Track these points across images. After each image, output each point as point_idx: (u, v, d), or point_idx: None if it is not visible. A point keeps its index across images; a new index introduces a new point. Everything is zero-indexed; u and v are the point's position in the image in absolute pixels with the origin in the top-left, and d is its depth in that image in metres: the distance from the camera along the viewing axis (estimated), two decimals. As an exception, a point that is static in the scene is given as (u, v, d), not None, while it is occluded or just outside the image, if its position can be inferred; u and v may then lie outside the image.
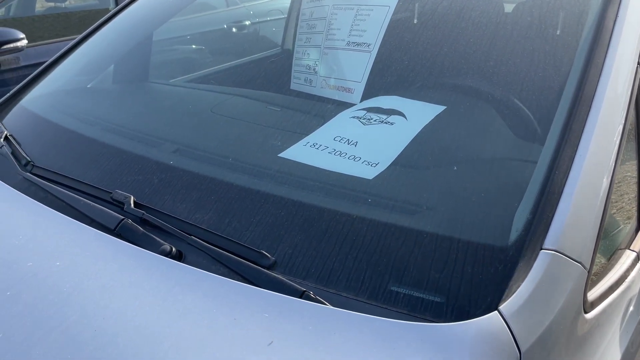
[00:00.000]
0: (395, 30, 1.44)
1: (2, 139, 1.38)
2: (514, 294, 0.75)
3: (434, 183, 0.99)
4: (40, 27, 4.64)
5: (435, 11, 1.43)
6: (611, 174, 0.90)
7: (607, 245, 1.00)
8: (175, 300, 0.81)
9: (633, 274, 0.98)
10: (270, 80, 1.80)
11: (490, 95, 1.14)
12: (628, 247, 1.03)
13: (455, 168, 1.00)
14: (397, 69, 1.39)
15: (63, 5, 5.24)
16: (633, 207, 1.09)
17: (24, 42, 3.48)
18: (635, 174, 1.08)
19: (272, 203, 1.00)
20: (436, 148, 1.09)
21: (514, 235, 0.83)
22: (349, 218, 0.93)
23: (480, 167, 1.00)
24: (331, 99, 1.50)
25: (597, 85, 0.97)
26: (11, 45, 3.43)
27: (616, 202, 1.06)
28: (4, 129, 1.43)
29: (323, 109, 1.46)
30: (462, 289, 0.79)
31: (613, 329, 0.88)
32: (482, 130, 1.11)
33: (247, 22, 4.02)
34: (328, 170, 1.08)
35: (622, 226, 1.06)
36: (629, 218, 1.09)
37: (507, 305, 0.74)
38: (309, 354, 0.71)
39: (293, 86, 1.64)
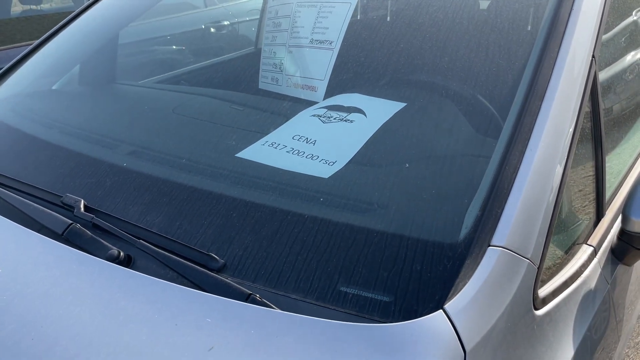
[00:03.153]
0: (357, 28, 1.43)
1: (-44, 144, 1.34)
2: (460, 292, 0.74)
3: (387, 181, 0.98)
4: (15, 29, 4.57)
5: (395, 8, 1.42)
6: (563, 170, 0.89)
7: (562, 240, 0.99)
8: (117, 307, 0.79)
9: (589, 269, 0.98)
10: (239, 80, 1.78)
11: (447, 92, 1.13)
12: (585, 241, 1.02)
13: (407, 165, 0.99)
14: (358, 66, 1.38)
15: (38, 7, 5.17)
16: (590, 202, 1.09)
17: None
18: (592, 168, 1.08)
19: (224, 204, 0.98)
20: (392, 145, 1.07)
21: (462, 232, 0.82)
22: (301, 218, 0.92)
23: (433, 164, 0.99)
24: (296, 97, 1.48)
25: (549, 79, 0.96)
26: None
27: (573, 196, 1.06)
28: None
29: (286, 108, 1.45)
30: (410, 287, 0.78)
31: (566, 325, 0.87)
32: (438, 127, 1.10)
33: (226, 23, 3.99)
34: (284, 170, 1.07)
35: (579, 221, 1.06)
36: (586, 213, 1.09)
37: (452, 304, 0.72)
38: (249, 358, 0.69)
39: (261, 85, 1.62)
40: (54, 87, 1.76)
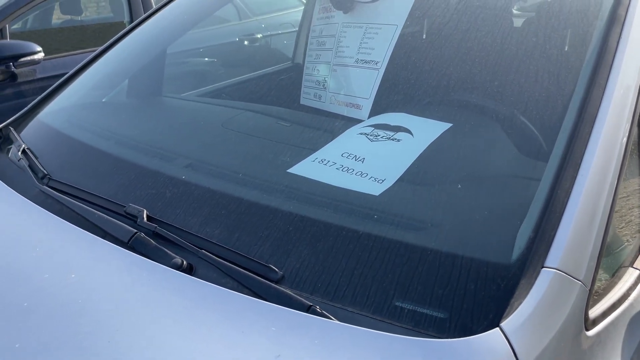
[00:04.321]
0: (403, 49, 1.47)
1: (19, 152, 1.42)
2: (516, 311, 0.77)
3: (438, 200, 1.01)
4: (57, 39, 4.73)
5: (442, 30, 1.46)
6: (613, 193, 0.91)
7: (610, 263, 1.01)
8: (185, 313, 0.84)
9: (636, 291, 0.99)
10: (280, 95, 1.84)
11: (495, 113, 1.16)
12: (632, 264, 1.04)
13: (460, 186, 1.02)
14: (404, 86, 1.42)
15: (79, 18, 5.36)
16: (637, 225, 1.10)
17: (41, 54, 3.56)
18: (638, 192, 1.10)
19: (280, 218, 1.03)
20: (442, 165, 1.11)
21: (516, 253, 0.85)
22: (355, 234, 0.96)
23: (484, 185, 1.02)
24: (340, 114, 1.53)
25: (600, 104, 0.98)
26: (28, 58, 3.50)
27: (620, 220, 1.08)
28: (22, 142, 1.47)
29: (331, 125, 1.49)
30: (465, 305, 0.81)
31: (615, 346, 0.89)
32: (487, 148, 1.13)
33: (259, 35, 4.08)
34: (335, 186, 1.11)
35: (625, 244, 1.07)
36: (632, 236, 1.10)
37: (508, 322, 0.76)
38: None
39: (303, 101, 1.67)
40: (104, 100, 1.84)
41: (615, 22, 1.11)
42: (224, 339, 0.79)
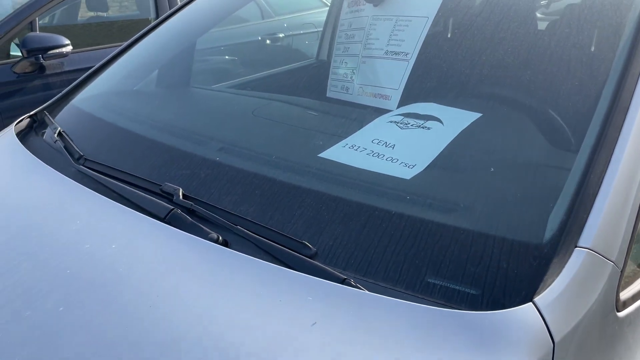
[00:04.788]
0: (433, 41, 1.49)
1: (55, 135, 1.46)
2: (549, 288, 0.78)
3: (471, 184, 1.03)
4: (83, 34, 4.82)
5: (472, 23, 1.48)
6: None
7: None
8: (223, 282, 0.86)
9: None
10: (306, 88, 1.86)
11: (525, 104, 1.18)
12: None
13: (492, 169, 1.04)
14: (434, 77, 1.44)
15: (105, 14, 5.45)
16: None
17: (69, 48, 3.63)
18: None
19: (312, 198, 1.05)
20: (473, 152, 1.12)
21: (548, 233, 0.86)
22: (387, 214, 0.98)
23: (516, 171, 1.03)
24: (368, 105, 1.55)
25: (633, 94, 0.99)
26: (56, 50, 3.58)
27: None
28: (57, 126, 1.52)
29: (360, 114, 1.51)
30: (498, 282, 0.83)
31: (645, 330, 0.89)
32: (517, 136, 1.14)
33: (281, 35, 4.12)
34: (366, 170, 1.13)
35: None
36: None
37: (541, 298, 0.77)
38: (350, 335, 0.75)
39: (329, 94, 1.70)
40: (135, 88, 1.89)
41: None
42: (261, 307, 0.81)
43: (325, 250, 0.95)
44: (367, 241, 0.94)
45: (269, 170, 1.15)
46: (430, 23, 1.51)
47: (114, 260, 0.93)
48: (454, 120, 1.26)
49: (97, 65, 1.92)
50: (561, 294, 0.78)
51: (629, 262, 0.90)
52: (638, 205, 0.90)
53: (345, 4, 1.93)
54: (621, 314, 0.85)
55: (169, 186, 1.13)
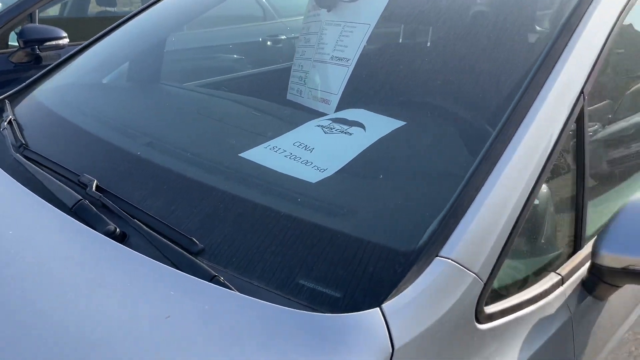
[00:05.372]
0: (373, 48, 1.50)
1: (6, 123, 1.51)
2: (400, 295, 0.79)
3: (364, 191, 1.05)
4: (90, 28, 4.90)
5: (411, 32, 1.49)
6: (527, 196, 0.92)
7: (530, 265, 1.02)
8: (98, 274, 0.89)
9: (552, 296, 1.00)
10: (274, 90, 1.88)
11: (441, 114, 1.19)
12: (555, 270, 1.05)
13: (381, 176, 1.05)
14: (368, 84, 1.46)
15: (113, 9, 5.56)
16: (569, 232, 1.10)
17: (66, 40, 3.72)
18: (573, 201, 1.10)
19: (214, 196, 1.08)
20: (381, 159, 1.14)
21: (415, 241, 0.87)
22: (276, 215, 1.00)
23: (407, 178, 1.05)
24: (312, 109, 1.57)
25: (529, 108, 1.00)
26: (53, 42, 3.66)
27: (553, 227, 1.08)
28: (10, 114, 1.57)
29: (300, 118, 1.54)
30: (359, 286, 0.84)
31: (512, 345, 0.90)
32: (424, 145, 1.16)
33: (282, 37, 4.15)
34: (276, 171, 1.15)
35: (554, 250, 1.08)
36: (566, 244, 1.11)
37: (390, 304, 0.78)
38: (197, 328, 0.78)
39: (289, 97, 1.72)
40: (104, 81, 1.93)
41: (563, 28, 1.12)
42: (124, 298, 0.84)
43: (212, 247, 0.97)
44: (252, 241, 0.97)
45: (181, 167, 1.18)
46: (371, 30, 1.53)
47: (7, 243, 0.97)
48: (376, 127, 1.28)
49: (62, 58, 1.97)
50: (411, 301, 0.79)
51: (501, 277, 0.91)
52: (513, 223, 0.90)
53: (308, 8, 1.96)
54: (482, 327, 0.86)
55: (85, 177, 1.17)
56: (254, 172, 1.17)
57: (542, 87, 1.03)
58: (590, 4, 1.14)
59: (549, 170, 0.98)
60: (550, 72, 1.05)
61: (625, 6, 1.18)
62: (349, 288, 0.85)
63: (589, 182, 1.13)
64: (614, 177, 1.29)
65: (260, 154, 1.25)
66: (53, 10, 5.47)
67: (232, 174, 1.17)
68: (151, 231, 1.00)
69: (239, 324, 0.78)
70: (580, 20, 1.12)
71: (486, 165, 0.93)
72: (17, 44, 3.67)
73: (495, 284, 0.91)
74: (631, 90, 1.38)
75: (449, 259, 0.83)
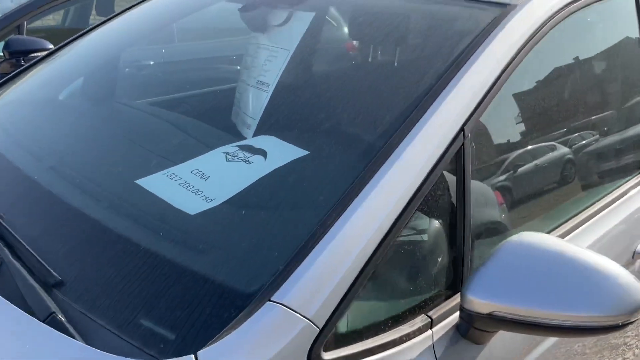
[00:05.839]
0: (290, 74, 1.49)
1: None
2: (220, 341, 0.77)
3: (230, 224, 1.03)
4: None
5: (328, 58, 1.47)
6: (381, 239, 0.90)
7: (392, 307, 0.98)
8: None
9: (418, 339, 0.96)
10: (218, 111, 1.87)
11: (329, 146, 1.17)
12: (426, 312, 1.01)
13: (244, 212, 1.04)
14: (282, 111, 1.44)
15: (111, 20, 5.61)
16: (446, 273, 1.07)
17: (51, 51, 3.77)
18: (448, 243, 1.06)
19: (86, 223, 1.07)
20: (261, 192, 1.12)
21: (251, 284, 0.85)
22: (136, 248, 0.98)
23: (275, 213, 1.03)
24: (238, 132, 1.56)
25: (399, 144, 0.98)
26: (38, 53, 3.71)
27: (425, 265, 1.05)
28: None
29: (222, 142, 1.52)
30: (187, 329, 0.82)
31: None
32: (305, 178, 1.14)
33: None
34: (162, 200, 1.13)
35: (425, 293, 1.03)
36: (439, 284, 1.06)
37: (206, 351, 0.76)
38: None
39: (232, 118, 1.71)
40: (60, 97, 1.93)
41: (450, 66, 1.10)
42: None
43: (70, 279, 0.96)
44: (106, 274, 0.95)
45: (64, 192, 1.17)
46: (290, 56, 1.52)
47: None
48: (277, 157, 1.26)
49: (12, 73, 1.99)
50: (232, 348, 0.77)
51: (352, 320, 0.88)
52: (362, 265, 0.87)
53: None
54: (318, 374, 0.83)
55: None
56: (139, 201, 1.16)
57: (416, 124, 1.01)
58: (480, 46, 1.12)
59: (414, 210, 0.95)
60: (427, 109, 1.03)
61: (522, 47, 1.16)
62: (178, 330, 0.83)
63: (475, 220, 1.10)
64: (503, 217, 1.25)
65: (156, 181, 1.24)
66: (54, 21, 5.58)
67: (115, 202, 1.16)
68: (13, 260, 0.99)
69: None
70: (467, 59, 1.10)
71: (341, 204, 0.91)
72: (2, 54, 3.74)
73: (342, 328, 0.88)
74: (521, 129, 1.34)
75: (280, 303, 0.81)
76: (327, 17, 1.74)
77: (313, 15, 1.59)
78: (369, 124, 1.14)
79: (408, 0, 1.54)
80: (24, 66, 2.02)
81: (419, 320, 0.99)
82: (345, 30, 1.73)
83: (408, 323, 0.98)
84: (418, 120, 1.02)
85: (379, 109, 1.17)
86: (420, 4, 1.52)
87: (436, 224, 1.07)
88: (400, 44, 1.38)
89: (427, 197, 0.99)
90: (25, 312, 0.87)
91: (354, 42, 1.71)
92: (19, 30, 3.91)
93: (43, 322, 0.85)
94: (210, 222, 1.05)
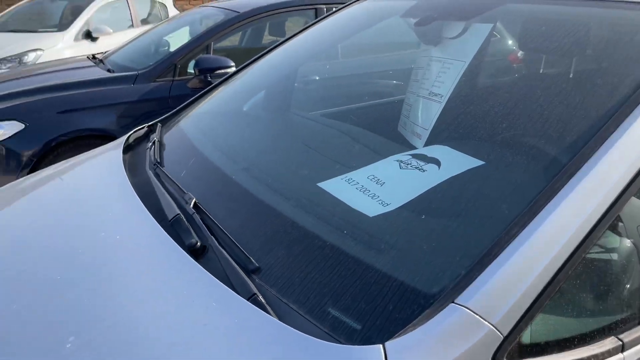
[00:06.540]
0: (466, 85, 1.50)
1: (151, 143, 1.82)
2: (406, 335, 0.81)
3: (409, 227, 1.07)
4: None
5: (504, 71, 1.45)
6: (570, 253, 0.87)
7: (582, 325, 0.94)
8: (164, 278, 1.06)
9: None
10: (386, 121, 1.96)
11: (518, 156, 1.16)
12: (617, 334, 0.94)
13: (424, 217, 1.06)
14: (457, 121, 1.45)
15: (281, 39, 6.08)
16: (626, 294, 0.99)
17: (233, 69, 4.21)
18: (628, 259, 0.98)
19: (280, 221, 1.19)
20: (440, 198, 1.14)
21: (436, 285, 0.88)
22: (325, 244, 1.07)
23: (456, 219, 1.04)
24: (409, 142, 1.62)
25: (590, 157, 0.94)
26: (222, 70, 4.17)
27: (620, 282, 0.98)
28: (157, 136, 1.87)
29: (394, 151, 1.59)
30: (370, 320, 0.88)
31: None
32: (487, 186, 1.13)
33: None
34: (342, 202, 1.22)
35: (618, 310, 0.97)
36: (626, 306, 0.99)
37: (394, 342, 0.81)
38: (228, 339, 0.89)
39: (399, 128, 1.79)
40: (244, 109, 2.18)
41: None
42: (173, 303, 0.99)
43: (267, 268, 1.08)
44: (298, 265, 1.05)
45: (262, 192, 1.31)
46: (466, 67, 1.52)
47: (114, 247, 1.19)
48: (451, 166, 1.28)
49: (208, 88, 2.28)
50: (417, 343, 0.80)
51: (539, 332, 0.86)
52: (546, 282, 0.85)
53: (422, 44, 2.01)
54: (500, 381, 0.83)
55: (188, 195, 1.37)
56: (322, 201, 1.26)
57: (609, 137, 0.96)
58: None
59: (605, 228, 0.91)
60: (621, 123, 0.97)
61: None
62: (364, 321, 0.89)
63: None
64: None
65: (335, 185, 1.33)
66: (231, 42, 6.19)
67: (302, 202, 1.27)
68: (220, 247, 1.14)
69: (260, 340, 0.88)
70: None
71: (528, 214, 0.90)
72: (193, 71, 4.26)
73: (526, 339, 0.87)
74: None
75: (464, 306, 0.83)
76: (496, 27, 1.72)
77: (492, 27, 1.59)
78: (552, 136, 1.11)
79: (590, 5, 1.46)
80: (214, 83, 2.30)
81: (609, 342, 0.93)
82: (515, 41, 1.69)
83: (597, 344, 0.93)
84: (611, 134, 0.97)
85: (562, 121, 1.13)
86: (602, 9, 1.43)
87: (627, 243, 1.01)
88: (579, 54, 1.32)
89: (619, 216, 0.93)
90: (233, 291, 0.99)
91: (519, 54, 1.67)
92: (207, 50, 4.42)
93: (247, 300, 0.97)
94: (390, 225, 1.10)
